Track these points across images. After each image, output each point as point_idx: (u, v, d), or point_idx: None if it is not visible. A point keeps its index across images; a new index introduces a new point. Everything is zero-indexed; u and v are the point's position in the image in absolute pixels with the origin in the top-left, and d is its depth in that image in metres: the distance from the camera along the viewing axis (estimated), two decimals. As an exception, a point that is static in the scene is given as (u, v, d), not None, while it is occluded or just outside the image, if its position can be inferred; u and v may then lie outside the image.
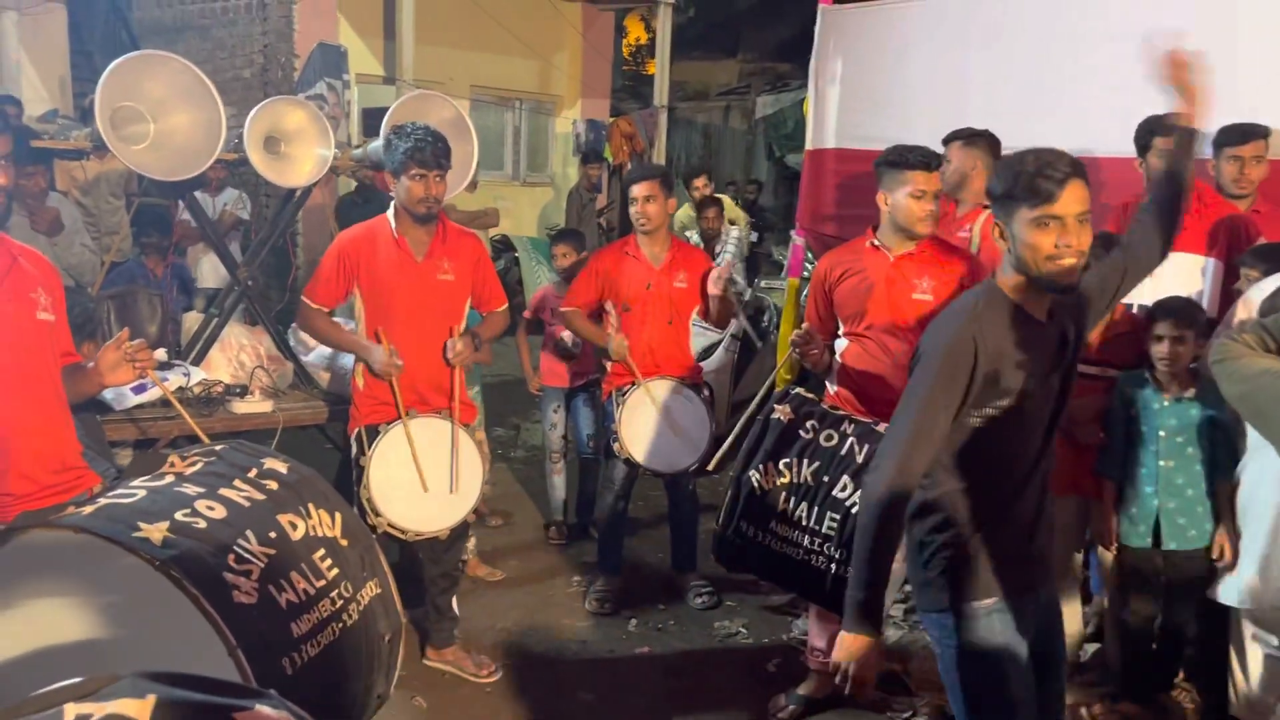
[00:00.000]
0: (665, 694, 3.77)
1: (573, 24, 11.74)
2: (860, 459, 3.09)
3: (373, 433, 3.57)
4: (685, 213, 7.57)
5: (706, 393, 4.41)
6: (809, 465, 3.15)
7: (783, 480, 3.17)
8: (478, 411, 3.99)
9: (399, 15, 9.21)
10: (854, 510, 3.00)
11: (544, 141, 12.11)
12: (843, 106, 5.62)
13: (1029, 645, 2.27)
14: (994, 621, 2.22)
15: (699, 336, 5.20)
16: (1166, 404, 3.33)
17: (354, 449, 3.65)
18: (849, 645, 2.19)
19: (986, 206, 4.03)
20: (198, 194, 6.01)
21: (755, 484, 3.21)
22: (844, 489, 3.07)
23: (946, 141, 4.15)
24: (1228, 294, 3.60)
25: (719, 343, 6.28)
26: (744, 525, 3.23)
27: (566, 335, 4.85)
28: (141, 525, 1.95)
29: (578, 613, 4.40)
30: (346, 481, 4.08)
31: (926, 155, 3.34)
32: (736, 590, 4.54)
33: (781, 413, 3.27)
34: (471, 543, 4.62)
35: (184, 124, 3.75)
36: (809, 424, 3.22)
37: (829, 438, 3.17)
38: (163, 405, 3.81)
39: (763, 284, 7.60)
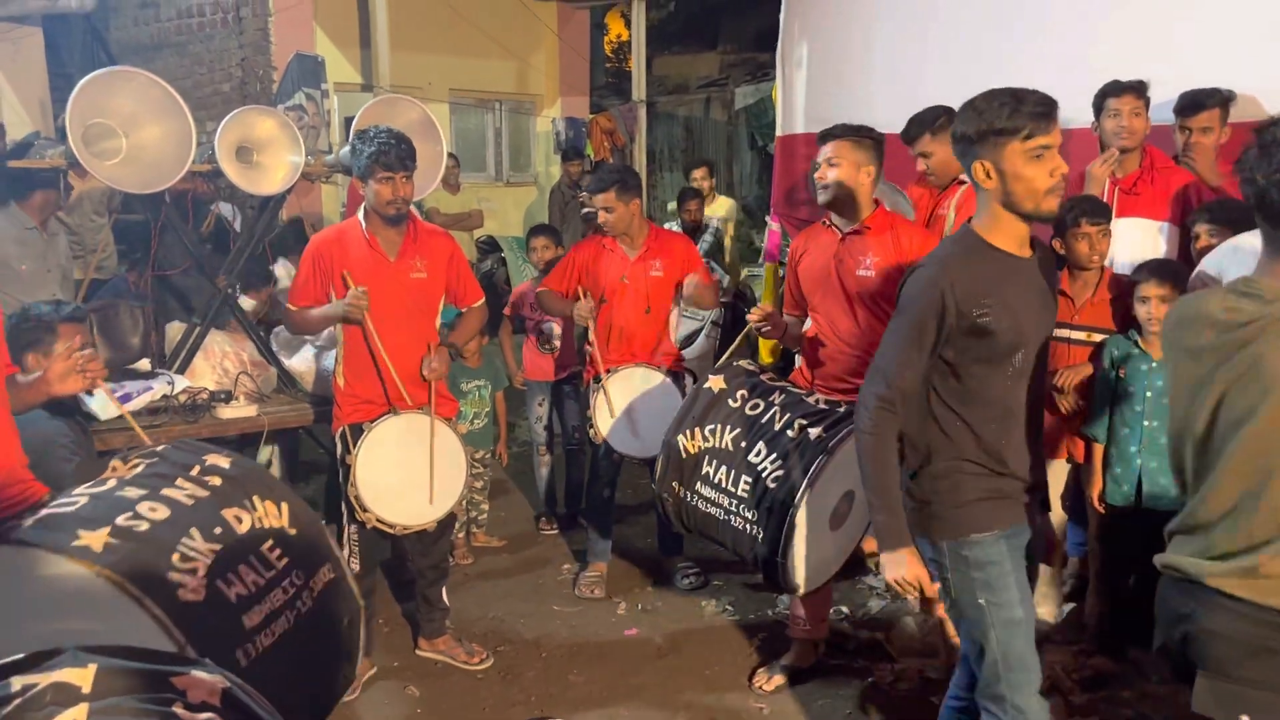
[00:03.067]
0: (655, 674, 3.85)
1: (548, 23, 11.79)
2: (778, 427, 3.19)
3: (356, 431, 3.65)
4: (726, 205, 7.60)
5: (690, 379, 4.49)
6: (730, 431, 3.27)
7: (707, 444, 3.30)
8: (458, 406, 4.06)
9: (374, 23, 9.26)
10: (764, 475, 3.12)
11: (525, 141, 12.16)
12: (810, 90, 5.70)
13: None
14: (1001, 547, 2.35)
15: (681, 325, 5.26)
16: (1155, 365, 3.39)
17: (339, 448, 3.73)
18: (894, 563, 2.35)
19: (964, 182, 4.11)
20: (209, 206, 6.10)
21: (681, 448, 3.35)
22: (758, 454, 3.18)
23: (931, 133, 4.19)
24: (1185, 255, 3.68)
25: (700, 330, 6.36)
26: (675, 485, 3.36)
27: (554, 325, 4.94)
28: (81, 533, 1.98)
29: (567, 599, 4.48)
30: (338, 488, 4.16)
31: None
32: (722, 570, 4.62)
33: (714, 383, 3.40)
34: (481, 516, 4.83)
35: (155, 137, 3.83)
36: (739, 394, 3.34)
37: (754, 407, 3.29)
38: (149, 414, 3.89)
39: (744, 271, 7.67)
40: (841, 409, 3.21)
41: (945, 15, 4.98)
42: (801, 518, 3.03)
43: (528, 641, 4.11)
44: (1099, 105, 3.87)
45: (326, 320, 3.72)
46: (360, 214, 3.66)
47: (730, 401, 3.33)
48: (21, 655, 1.17)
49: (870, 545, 4.50)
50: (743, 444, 3.22)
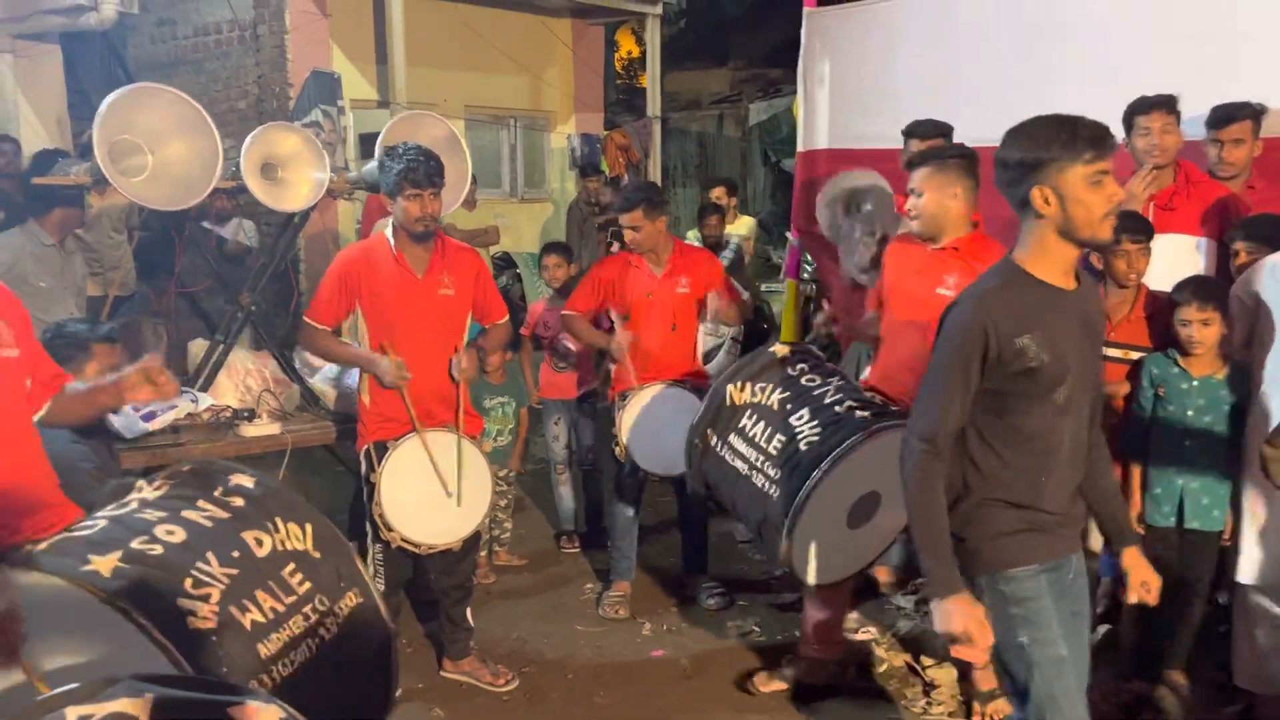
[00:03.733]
0: (681, 696, 3.80)
1: (562, 40, 11.82)
2: (828, 400, 3.19)
3: (381, 449, 3.62)
4: (748, 224, 7.56)
5: (712, 396, 4.45)
6: (780, 393, 3.29)
7: (753, 400, 3.31)
8: (483, 423, 4.03)
9: (390, 40, 9.28)
10: (799, 436, 3.11)
11: (540, 157, 12.17)
12: (833, 106, 5.68)
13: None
14: (1041, 581, 2.27)
15: (704, 341, 5.23)
16: (1195, 384, 3.35)
17: (364, 466, 3.70)
18: (946, 615, 2.24)
19: None
20: (205, 224, 6.11)
21: (728, 395, 3.35)
22: (800, 418, 3.19)
23: (912, 135, 4.21)
24: (1224, 270, 3.63)
25: (721, 346, 6.31)
26: (709, 432, 3.37)
27: (570, 341, 4.91)
28: (92, 558, 1.91)
29: (592, 619, 4.43)
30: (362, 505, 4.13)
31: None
32: (748, 590, 4.59)
33: (779, 349, 3.43)
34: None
35: (181, 154, 3.82)
36: (799, 365, 3.37)
37: (811, 380, 3.31)
38: (173, 433, 3.87)
39: (762, 288, 7.64)
40: (894, 407, 3.20)
41: (968, 30, 4.95)
42: (823, 489, 3.00)
43: (552, 662, 4.06)
44: (1128, 123, 3.84)
45: (355, 363, 3.72)
46: (388, 231, 3.64)
47: (789, 370, 3.36)
48: (77, 685, 1.14)
49: (884, 574, 4.48)
50: (788, 406, 3.23)
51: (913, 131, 4.22)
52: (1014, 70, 4.69)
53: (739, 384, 3.34)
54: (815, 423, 3.12)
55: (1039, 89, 4.61)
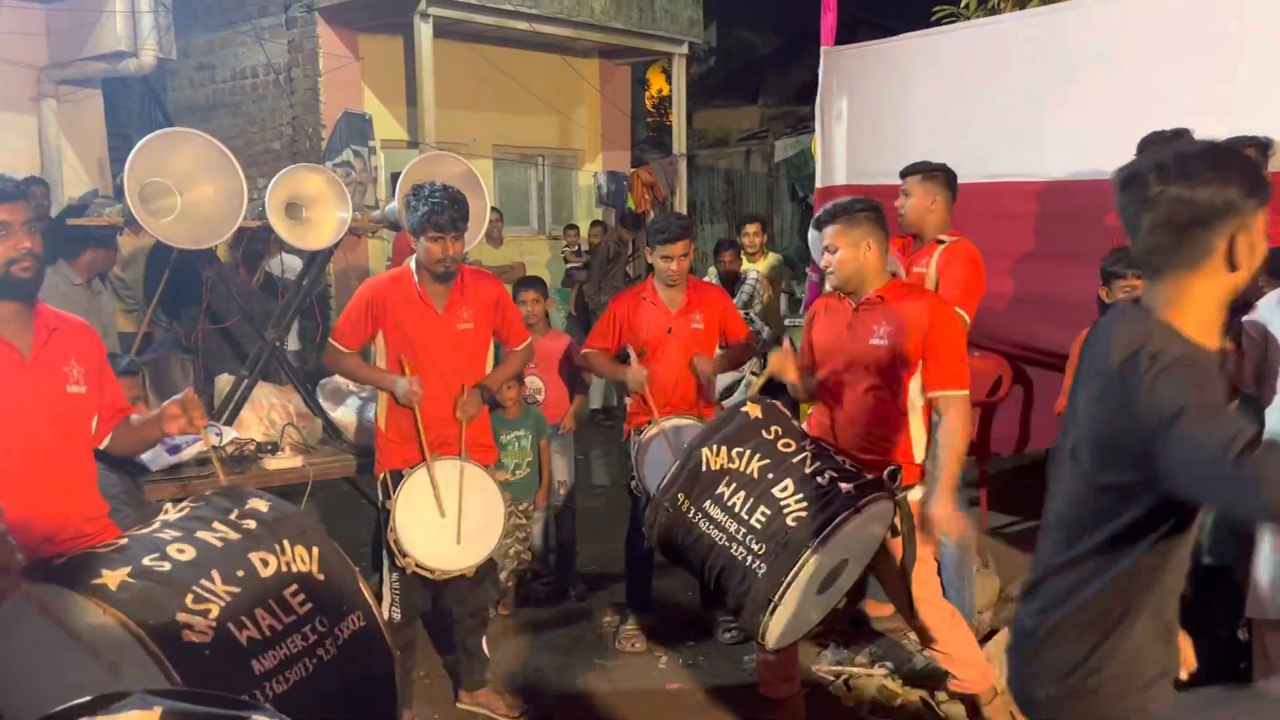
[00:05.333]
0: (696, 728, 3.81)
1: (589, 81, 12.00)
2: (808, 471, 3.14)
3: (396, 477, 3.70)
4: (770, 260, 7.57)
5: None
6: (759, 460, 3.20)
7: (731, 465, 3.21)
8: (497, 454, 4.10)
9: (420, 82, 9.49)
10: (785, 511, 3.06)
11: (567, 195, 12.33)
12: (850, 143, 5.75)
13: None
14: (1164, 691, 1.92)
15: (720, 377, 5.27)
16: None
17: (380, 494, 3.78)
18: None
19: (942, 241, 4.13)
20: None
21: (704, 460, 3.25)
22: (784, 489, 3.11)
23: (904, 175, 4.23)
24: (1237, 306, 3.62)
25: (739, 381, 6.35)
26: (680, 497, 3.24)
27: (537, 378, 4.95)
28: (104, 572, 2.03)
29: (608, 652, 4.46)
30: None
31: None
32: (765, 624, 4.57)
33: (751, 410, 3.35)
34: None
35: (209, 194, 3.94)
36: (774, 428, 3.30)
37: (786, 445, 3.24)
38: (198, 464, 3.96)
39: (786, 323, 7.67)
40: (869, 476, 3.19)
41: (982, 67, 5.00)
42: (810, 565, 3.00)
43: (569, 695, 4.08)
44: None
45: (374, 382, 3.84)
46: (413, 263, 3.75)
47: (764, 432, 3.29)
48: (89, 698, 1.20)
49: (876, 609, 4.48)
50: (769, 475, 3.16)
51: (907, 173, 4.26)
52: (1028, 106, 4.74)
53: (714, 448, 3.25)
54: (800, 496, 3.08)
55: (1053, 125, 4.69)
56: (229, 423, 4.24)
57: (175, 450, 3.84)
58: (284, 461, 4.13)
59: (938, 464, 3.25)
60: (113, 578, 2.02)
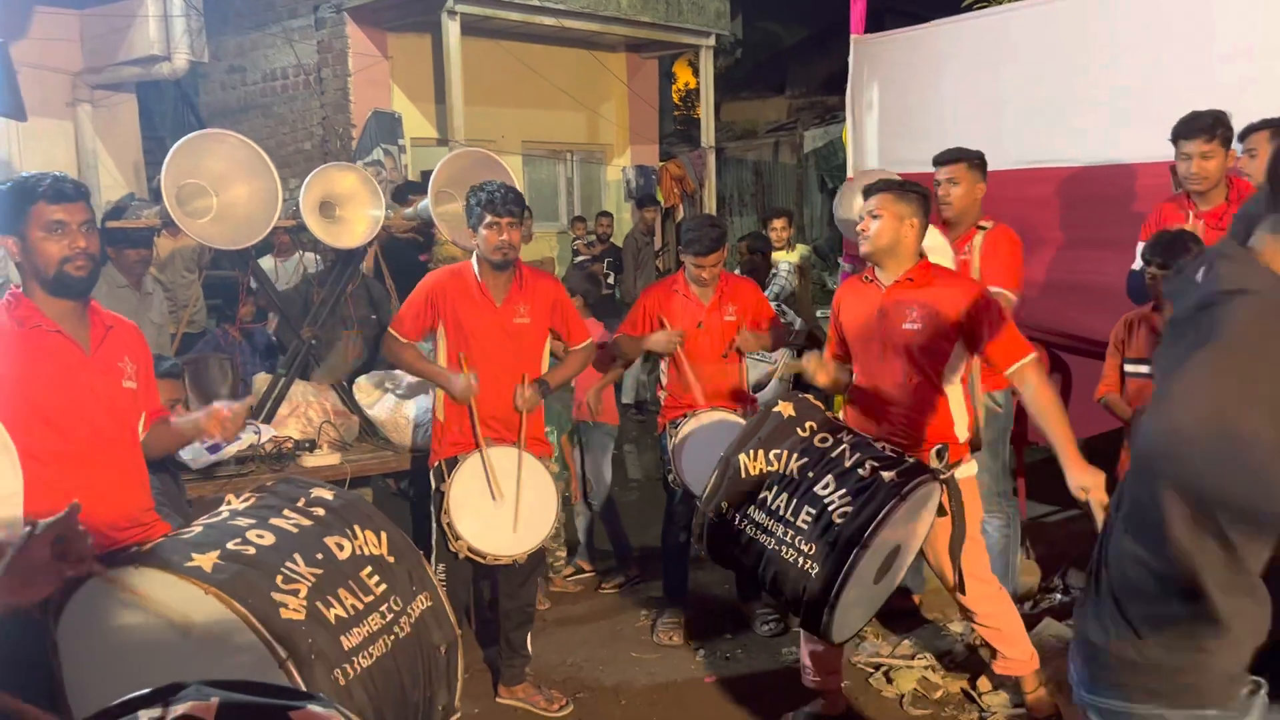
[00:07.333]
0: (735, 721, 3.81)
1: (617, 75, 12.00)
2: (848, 464, 3.10)
3: (452, 464, 3.76)
4: (801, 251, 7.58)
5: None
6: (797, 459, 3.16)
7: (770, 468, 3.18)
8: (553, 449, 4.14)
9: (448, 80, 9.53)
10: (830, 508, 3.01)
11: (596, 190, 12.34)
12: (882, 131, 5.71)
13: None
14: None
15: (753, 369, 5.26)
16: None
17: (433, 481, 3.83)
18: None
19: (982, 227, 4.09)
20: (268, 258, 6.32)
21: (742, 466, 3.21)
22: (826, 487, 3.07)
23: (945, 162, 4.18)
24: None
25: (774, 373, 6.32)
26: (724, 506, 3.21)
27: None
28: (194, 555, 2.11)
29: (646, 645, 4.46)
30: (421, 528, 4.23)
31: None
32: (803, 616, 4.55)
33: (784, 408, 3.30)
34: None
35: (244, 195, 3.98)
36: (808, 424, 3.24)
37: (823, 440, 3.19)
38: (237, 463, 4.01)
39: (818, 313, 7.64)
40: (910, 460, 3.15)
41: (1012, 54, 4.95)
42: (864, 559, 2.97)
43: (607, 689, 4.09)
44: (1174, 144, 3.81)
45: (431, 378, 3.88)
46: (474, 259, 3.81)
47: (799, 430, 3.24)
48: (148, 690, 1.22)
49: (920, 600, 4.45)
50: (810, 474, 3.12)
51: (939, 160, 4.22)
52: (1058, 92, 4.68)
53: (752, 453, 3.20)
54: (843, 491, 3.04)
55: (1084, 110, 4.63)
56: (267, 421, 4.28)
57: (216, 449, 3.88)
58: (321, 459, 4.17)
59: (1052, 437, 3.06)
60: (205, 560, 2.09)
